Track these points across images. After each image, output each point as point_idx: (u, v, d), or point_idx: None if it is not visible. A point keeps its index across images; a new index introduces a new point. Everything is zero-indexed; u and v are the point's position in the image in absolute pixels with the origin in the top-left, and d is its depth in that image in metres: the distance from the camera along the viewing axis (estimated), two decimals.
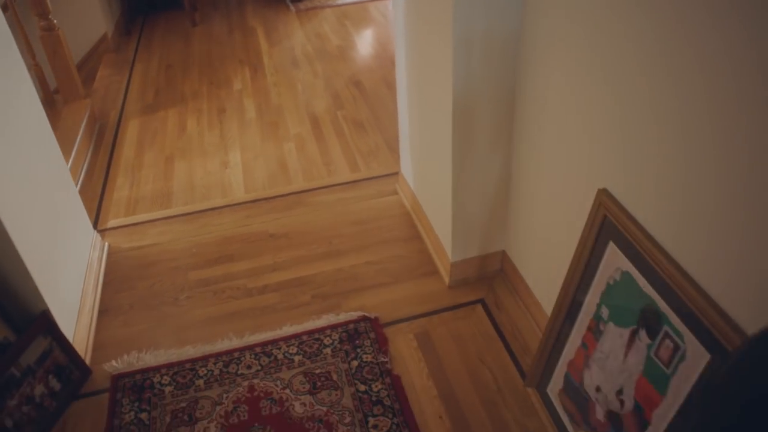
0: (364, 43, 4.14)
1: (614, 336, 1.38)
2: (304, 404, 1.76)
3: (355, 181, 2.69)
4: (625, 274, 1.34)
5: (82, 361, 1.90)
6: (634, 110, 1.22)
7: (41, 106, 2.11)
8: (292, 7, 4.81)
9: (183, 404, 1.80)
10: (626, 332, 1.34)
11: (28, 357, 1.73)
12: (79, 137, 2.96)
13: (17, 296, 1.75)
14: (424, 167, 2.21)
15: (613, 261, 1.37)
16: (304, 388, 1.81)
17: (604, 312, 1.41)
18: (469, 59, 1.65)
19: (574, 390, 1.54)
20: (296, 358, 1.90)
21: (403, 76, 2.22)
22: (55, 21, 3.03)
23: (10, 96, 1.88)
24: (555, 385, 1.63)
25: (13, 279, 1.72)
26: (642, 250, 1.27)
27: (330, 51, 4.04)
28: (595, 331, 1.45)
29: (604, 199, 1.38)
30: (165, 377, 1.88)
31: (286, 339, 1.97)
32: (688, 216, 1.13)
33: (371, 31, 4.30)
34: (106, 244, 2.45)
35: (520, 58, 1.67)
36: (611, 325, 1.39)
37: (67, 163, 2.53)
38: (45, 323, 1.78)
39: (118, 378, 1.90)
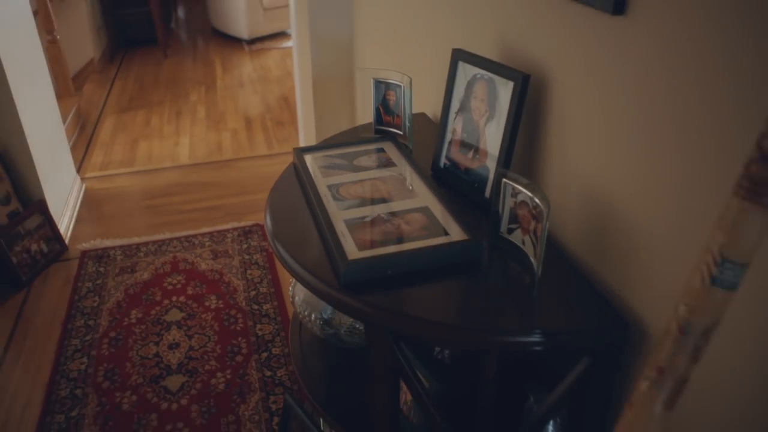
0: None
1: None
2: (208, 264, 2.72)
3: (269, 155, 3.72)
4: None
5: (62, 240, 2.84)
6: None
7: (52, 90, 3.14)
8: (246, 47, 5.95)
9: (128, 264, 2.74)
10: None
11: (29, 224, 2.68)
12: (68, 122, 3.95)
13: (28, 189, 2.71)
14: (308, 135, 3.25)
15: None
16: (209, 257, 2.77)
17: None
18: (320, 53, 2.73)
19: None
20: (207, 243, 2.87)
21: (298, 76, 3.29)
22: (58, 36, 4.08)
23: (41, 77, 2.89)
24: None
25: (30, 181, 2.69)
26: None
27: (270, 78, 5.14)
28: None
29: None
30: (117, 251, 2.83)
31: (203, 234, 2.94)
32: None
33: None
34: (84, 185, 3.41)
35: (353, 51, 2.76)
36: None
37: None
38: (42, 206, 2.74)
39: (85, 252, 2.83)
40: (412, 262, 1.08)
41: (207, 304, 2.46)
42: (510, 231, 1.13)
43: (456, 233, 1.13)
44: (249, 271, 2.66)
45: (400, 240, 1.12)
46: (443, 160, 1.40)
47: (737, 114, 0.73)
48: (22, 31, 2.85)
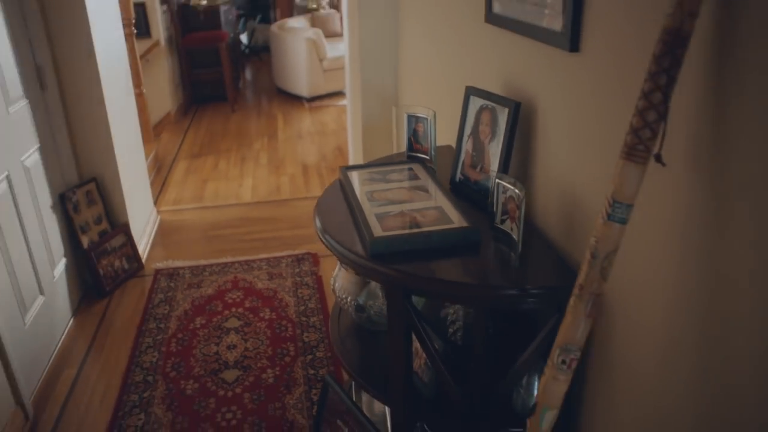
0: None
1: None
2: (264, 284, 3.07)
3: None
4: None
5: (140, 259, 3.26)
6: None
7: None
8: (306, 104, 6.50)
9: (195, 281, 3.13)
10: None
11: (114, 243, 3.11)
12: (148, 162, 4.47)
13: (116, 214, 3.17)
14: None
15: None
16: (265, 277, 3.13)
17: None
18: (369, 104, 3.14)
19: None
20: (264, 267, 3.24)
21: (351, 126, 3.71)
22: (144, 90, 4.67)
23: (132, 122, 3.41)
24: None
25: (117, 207, 3.15)
26: None
27: (326, 131, 5.62)
28: None
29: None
30: (186, 270, 3.23)
31: (260, 259, 3.32)
32: None
33: None
34: (159, 216, 3.87)
35: (398, 100, 3.15)
36: None
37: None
38: (125, 229, 3.18)
39: (158, 270, 3.24)
40: (423, 241, 1.39)
41: (262, 315, 2.80)
42: (502, 221, 1.43)
43: (460, 223, 1.44)
44: (299, 290, 3.00)
45: (415, 226, 1.44)
46: (458, 175, 1.72)
47: None
48: (122, 85, 3.37)
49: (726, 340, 0.87)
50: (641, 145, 0.88)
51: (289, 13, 8.83)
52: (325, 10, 7.94)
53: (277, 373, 2.42)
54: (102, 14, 3.07)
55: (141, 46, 5.03)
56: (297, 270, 3.19)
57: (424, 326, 1.37)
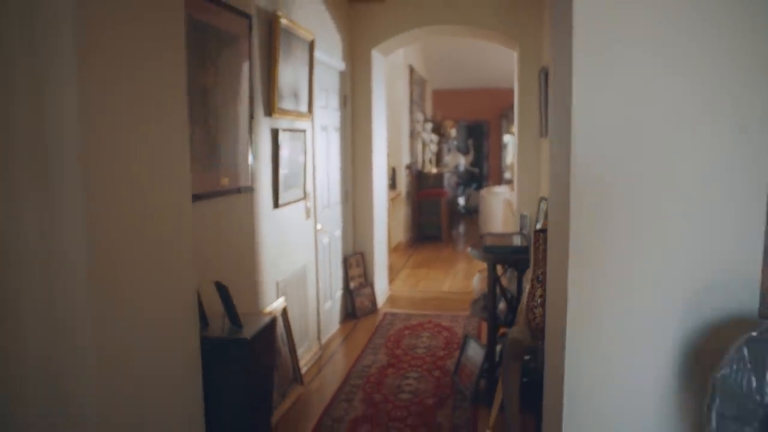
0: None
1: None
2: (446, 323, 5.09)
3: None
4: None
5: (377, 305, 5.51)
6: None
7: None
8: None
9: (406, 318, 5.26)
10: None
11: (364, 291, 5.42)
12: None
13: (368, 276, 5.52)
14: None
15: None
16: (447, 322, 5.15)
17: None
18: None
19: None
20: (447, 317, 5.27)
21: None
22: (388, 223, 7.24)
23: (383, 237, 5.86)
24: None
25: (370, 273, 5.51)
26: None
27: None
28: None
29: None
30: (402, 314, 5.38)
31: (446, 314, 5.36)
32: None
33: None
34: (390, 292, 6.16)
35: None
36: None
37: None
38: (372, 285, 5.49)
39: (386, 312, 5.44)
40: (503, 248, 3.40)
41: (442, 333, 4.81)
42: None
43: (518, 244, 3.43)
44: (466, 327, 4.96)
45: (506, 244, 3.47)
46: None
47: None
48: (382, 209, 5.89)
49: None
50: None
51: (499, 182, 11.35)
52: None
53: (445, 353, 4.38)
54: (379, 171, 5.67)
55: (390, 194, 7.72)
56: (467, 321, 5.17)
57: (498, 280, 3.34)
